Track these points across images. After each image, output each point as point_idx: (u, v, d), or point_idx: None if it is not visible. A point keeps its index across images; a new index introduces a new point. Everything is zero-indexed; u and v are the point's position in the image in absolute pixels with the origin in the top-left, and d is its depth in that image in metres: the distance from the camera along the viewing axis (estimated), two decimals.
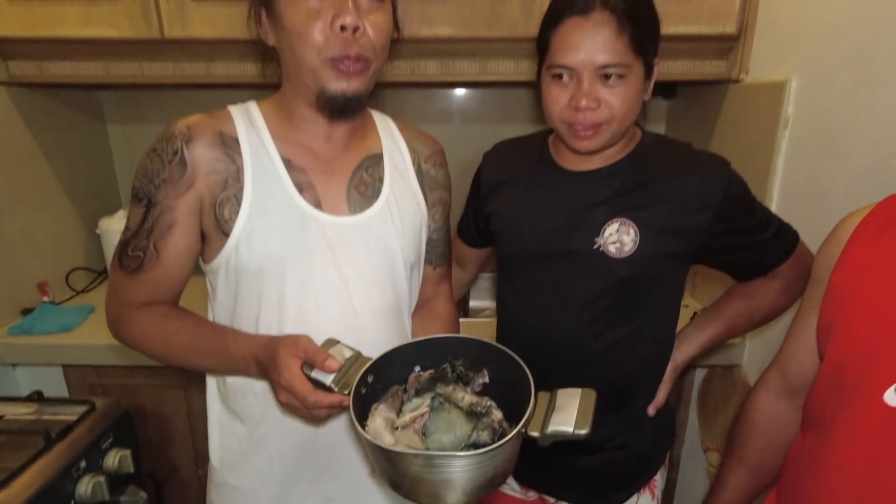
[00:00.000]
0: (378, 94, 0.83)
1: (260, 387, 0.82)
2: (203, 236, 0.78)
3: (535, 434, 0.61)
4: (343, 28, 0.69)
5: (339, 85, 0.72)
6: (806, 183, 1.11)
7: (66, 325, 1.37)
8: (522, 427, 0.60)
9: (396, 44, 0.81)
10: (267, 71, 0.82)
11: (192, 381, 1.38)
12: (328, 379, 0.67)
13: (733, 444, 0.87)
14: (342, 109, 0.75)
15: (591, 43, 0.75)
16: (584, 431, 0.60)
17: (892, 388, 0.56)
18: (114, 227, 1.56)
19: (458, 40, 1.27)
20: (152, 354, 0.81)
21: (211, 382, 0.88)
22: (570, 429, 0.60)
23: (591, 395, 0.65)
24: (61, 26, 1.24)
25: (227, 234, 0.76)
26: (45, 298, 1.48)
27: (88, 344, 1.32)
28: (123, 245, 0.78)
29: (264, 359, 0.71)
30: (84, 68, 1.31)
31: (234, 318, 0.81)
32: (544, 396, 0.65)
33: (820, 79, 1.07)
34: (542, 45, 0.82)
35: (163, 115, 1.71)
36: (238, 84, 1.34)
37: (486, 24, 1.25)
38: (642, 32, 0.76)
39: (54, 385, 1.37)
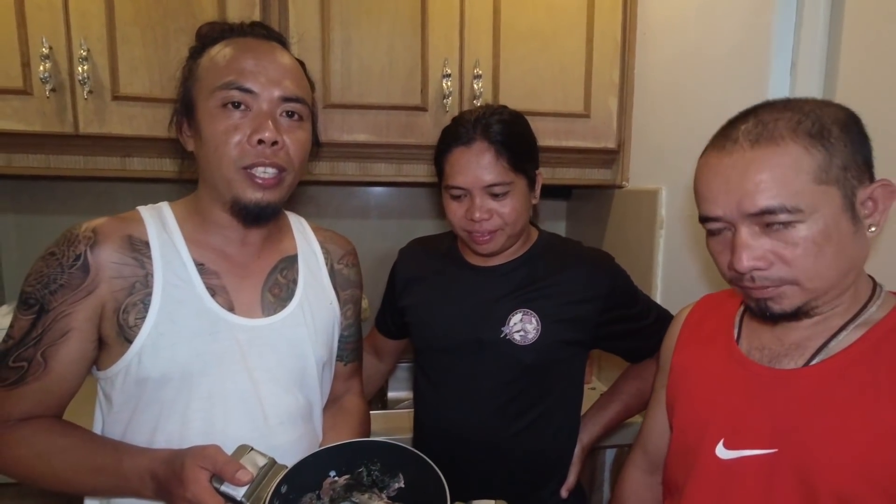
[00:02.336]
0: (300, 191, 0.87)
1: None
2: (100, 343, 0.75)
3: None
4: (261, 142, 0.72)
5: (253, 195, 0.74)
6: (681, 275, 1.27)
7: None
8: None
9: (316, 148, 0.85)
10: (185, 168, 0.83)
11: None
12: (239, 493, 0.64)
13: None
14: (256, 217, 0.76)
15: (477, 167, 0.87)
16: None
17: (720, 443, 0.67)
18: None
19: (375, 146, 1.37)
20: (29, 477, 0.73)
21: None
22: None
23: None
24: None
25: (129, 341, 0.73)
26: None
27: None
28: (2, 356, 0.72)
29: (164, 474, 0.66)
30: None
31: (128, 429, 0.75)
32: None
33: (681, 190, 1.27)
34: (438, 168, 0.93)
35: (64, 206, 1.62)
36: (154, 179, 1.34)
37: (400, 132, 1.37)
38: (518, 156, 0.89)
39: None
